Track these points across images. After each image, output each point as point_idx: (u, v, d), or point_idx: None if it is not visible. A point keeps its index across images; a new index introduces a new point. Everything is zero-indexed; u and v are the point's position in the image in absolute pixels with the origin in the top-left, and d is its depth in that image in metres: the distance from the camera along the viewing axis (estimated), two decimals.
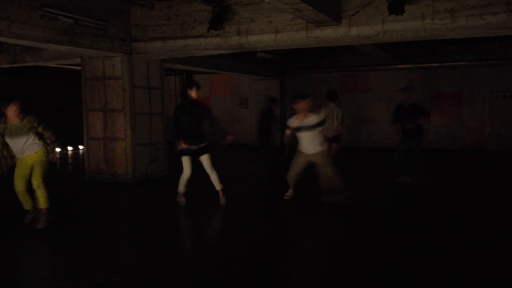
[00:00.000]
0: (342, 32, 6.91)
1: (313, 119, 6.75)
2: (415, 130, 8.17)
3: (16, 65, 9.88)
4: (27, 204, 5.71)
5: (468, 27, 6.21)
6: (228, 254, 4.59)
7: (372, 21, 6.68)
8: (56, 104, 16.47)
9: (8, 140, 5.43)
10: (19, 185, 5.56)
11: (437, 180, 8.76)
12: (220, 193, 6.81)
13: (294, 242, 5.04)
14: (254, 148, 15.44)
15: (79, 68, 9.57)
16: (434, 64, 13.61)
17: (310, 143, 6.72)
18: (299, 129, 6.78)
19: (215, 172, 6.70)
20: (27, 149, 5.47)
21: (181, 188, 6.77)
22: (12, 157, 5.59)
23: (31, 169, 5.51)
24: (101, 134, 8.81)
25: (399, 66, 13.96)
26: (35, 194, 5.50)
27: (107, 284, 3.84)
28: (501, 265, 4.24)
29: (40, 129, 5.50)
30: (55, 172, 10.90)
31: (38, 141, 5.53)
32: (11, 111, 5.32)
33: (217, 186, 6.78)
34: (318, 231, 5.53)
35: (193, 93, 6.56)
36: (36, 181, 5.43)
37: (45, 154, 5.60)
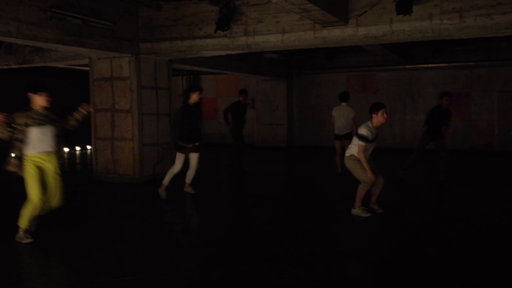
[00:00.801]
0: (350, 32, 6.89)
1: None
2: (440, 132, 8.60)
3: (25, 65, 9.98)
4: (28, 222, 5.04)
5: (476, 27, 6.17)
6: (234, 253, 4.60)
7: (379, 21, 6.66)
8: (64, 104, 16.59)
9: (35, 130, 4.87)
10: (40, 196, 4.92)
11: (444, 180, 8.71)
12: (187, 185, 7.53)
13: (300, 242, 5.03)
14: (261, 148, 15.45)
15: (87, 68, 9.63)
16: (442, 64, 13.54)
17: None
18: (371, 141, 5.97)
19: (197, 169, 7.36)
20: (54, 142, 5.01)
21: (167, 180, 7.18)
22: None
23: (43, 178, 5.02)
24: (108, 134, 8.86)
25: (407, 66, 13.91)
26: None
27: (114, 283, 3.86)
28: (503, 265, 4.21)
29: (63, 124, 5.17)
30: (63, 171, 10.97)
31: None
32: (42, 99, 4.92)
33: (189, 179, 7.46)
34: (324, 231, 5.52)
35: (195, 96, 7.06)
36: (59, 203, 5.14)
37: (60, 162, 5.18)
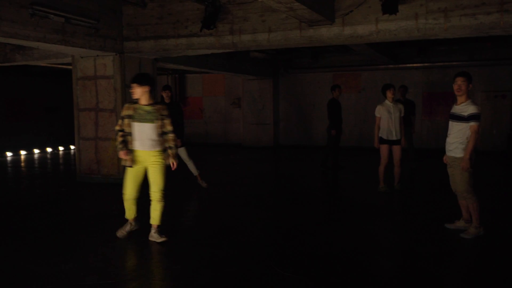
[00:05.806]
0: (336, 32, 6.89)
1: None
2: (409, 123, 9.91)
3: (6, 64, 9.78)
4: (130, 213, 5.03)
5: (461, 26, 6.22)
6: (223, 255, 4.55)
7: (365, 21, 6.67)
8: (47, 104, 16.36)
9: (135, 124, 4.78)
10: (131, 192, 4.90)
11: (427, 181, 8.77)
12: (199, 178, 7.90)
13: (289, 243, 5.00)
14: (247, 148, 15.42)
15: (70, 67, 9.47)
16: (426, 64, 13.66)
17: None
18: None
19: (191, 160, 7.73)
20: (151, 141, 4.80)
21: None
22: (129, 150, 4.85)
23: (144, 174, 4.93)
24: (92, 134, 8.72)
25: (392, 66, 14.00)
26: (152, 207, 4.94)
27: (99, 286, 3.78)
28: (500, 265, 4.25)
29: (166, 122, 4.86)
30: (46, 172, 10.79)
31: (160, 138, 4.86)
32: (139, 91, 4.75)
33: (194, 172, 7.86)
34: (315, 232, 5.50)
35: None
36: (158, 194, 4.89)
37: (165, 158, 4.92)
